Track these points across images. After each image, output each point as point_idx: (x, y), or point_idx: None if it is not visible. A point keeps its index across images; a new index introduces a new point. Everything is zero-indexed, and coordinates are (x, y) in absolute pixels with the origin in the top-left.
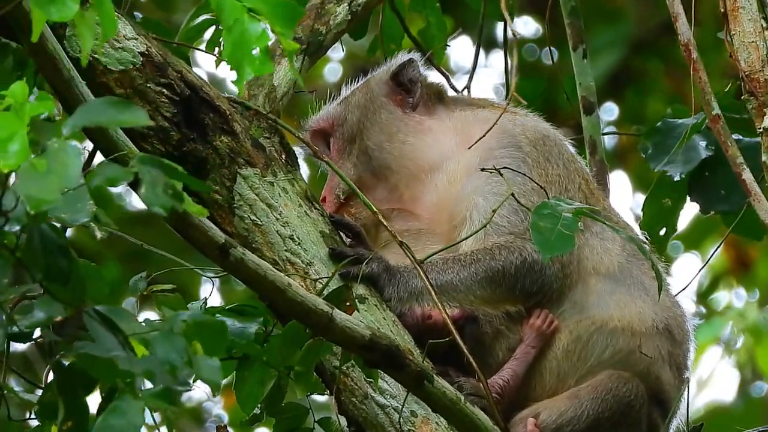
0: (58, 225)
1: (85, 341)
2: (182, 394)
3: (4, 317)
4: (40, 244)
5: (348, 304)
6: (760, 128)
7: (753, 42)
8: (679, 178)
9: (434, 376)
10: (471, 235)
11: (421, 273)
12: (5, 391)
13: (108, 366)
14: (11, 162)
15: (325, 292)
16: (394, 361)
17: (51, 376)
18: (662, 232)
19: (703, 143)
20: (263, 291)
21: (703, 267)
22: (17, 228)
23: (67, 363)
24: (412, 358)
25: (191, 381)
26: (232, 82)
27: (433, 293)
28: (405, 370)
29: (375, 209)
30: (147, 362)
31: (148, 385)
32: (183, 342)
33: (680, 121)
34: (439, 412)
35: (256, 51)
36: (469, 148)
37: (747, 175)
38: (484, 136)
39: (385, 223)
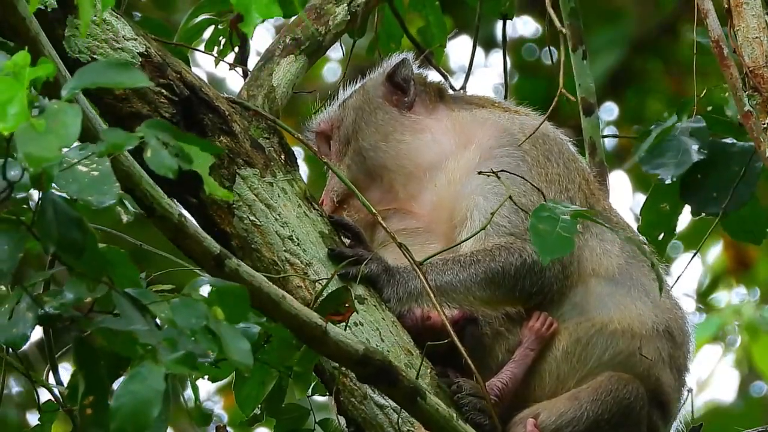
0: (69, 198)
1: (107, 316)
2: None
3: (29, 300)
4: (54, 215)
5: (347, 305)
6: (764, 123)
7: (757, 38)
8: (670, 181)
9: (427, 393)
10: (470, 237)
11: (420, 274)
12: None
13: (130, 340)
14: (10, 124)
15: (325, 293)
16: (387, 377)
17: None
18: (660, 237)
19: (695, 146)
20: (257, 302)
21: (691, 259)
22: (23, 195)
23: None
24: (405, 375)
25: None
26: (239, 26)
27: (432, 295)
28: (397, 386)
29: (373, 210)
30: (168, 332)
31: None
32: (204, 308)
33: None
34: (431, 428)
35: None
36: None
37: None
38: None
39: (383, 224)
